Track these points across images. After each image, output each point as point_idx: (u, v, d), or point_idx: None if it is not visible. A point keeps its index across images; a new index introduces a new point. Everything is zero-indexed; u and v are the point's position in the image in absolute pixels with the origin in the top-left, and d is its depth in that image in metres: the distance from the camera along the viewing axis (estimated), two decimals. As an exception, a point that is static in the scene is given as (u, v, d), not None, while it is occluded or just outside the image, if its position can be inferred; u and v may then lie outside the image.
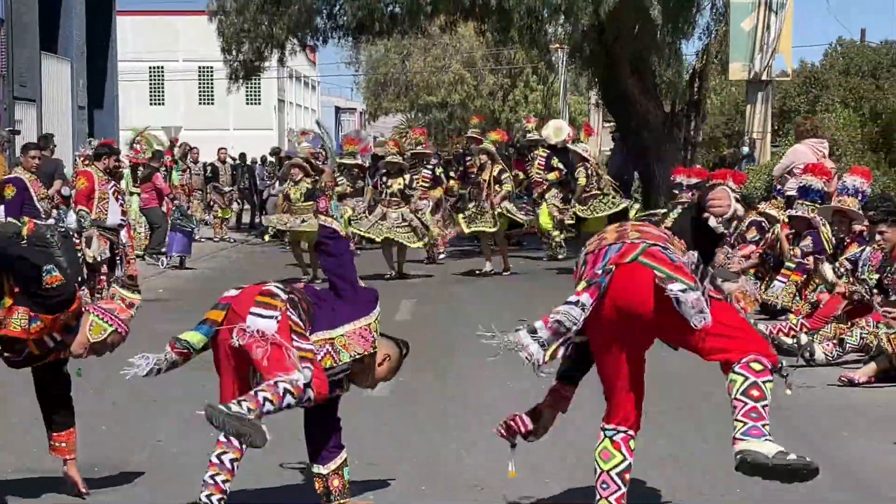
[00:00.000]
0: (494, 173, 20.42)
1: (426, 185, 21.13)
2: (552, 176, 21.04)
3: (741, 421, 5.95)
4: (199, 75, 65.18)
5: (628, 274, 6.07)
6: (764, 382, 5.95)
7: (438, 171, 21.92)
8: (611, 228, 6.54)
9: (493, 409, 9.91)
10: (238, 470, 6.67)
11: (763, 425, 5.90)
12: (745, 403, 5.96)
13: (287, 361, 6.51)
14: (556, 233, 21.46)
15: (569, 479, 7.79)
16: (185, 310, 15.88)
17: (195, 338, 6.72)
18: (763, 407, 5.94)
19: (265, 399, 6.37)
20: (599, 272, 6.15)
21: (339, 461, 6.90)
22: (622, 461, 6.38)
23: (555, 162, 21.01)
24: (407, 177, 20.30)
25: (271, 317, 6.59)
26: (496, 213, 19.95)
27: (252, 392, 6.46)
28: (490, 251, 20.60)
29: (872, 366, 10.82)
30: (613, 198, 19.95)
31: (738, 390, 5.98)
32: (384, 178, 20.58)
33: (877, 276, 12.07)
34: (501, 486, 7.68)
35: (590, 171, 20.11)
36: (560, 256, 21.52)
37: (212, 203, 29.48)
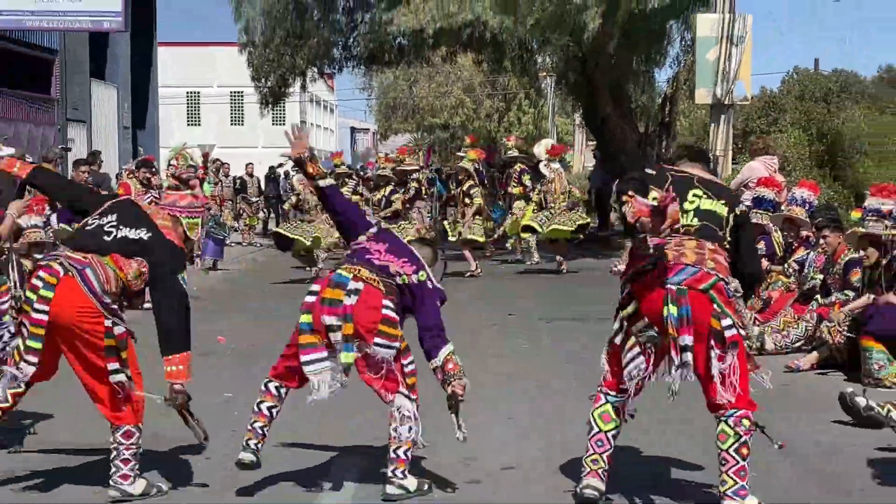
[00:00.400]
0: (465, 188, 20.58)
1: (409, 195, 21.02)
2: (516, 191, 20.82)
3: (732, 479, 6.28)
4: (231, 99, 65.23)
5: (696, 299, 6.30)
6: (750, 438, 6.32)
7: (414, 185, 21.48)
8: (691, 247, 6.51)
9: (482, 384, 9.98)
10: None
11: (747, 482, 6.26)
12: (736, 462, 6.29)
13: (398, 386, 6.86)
14: (525, 235, 21.00)
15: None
16: (210, 310, 15.94)
17: (351, 358, 6.74)
18: (748, 463, 6.30)
19: (404, 453, 6.81)
20: (674, 288, 6.31)
21: (446, 351, 6.95)
22: (617, 425, 6.65)
23: (525, 178, 20.84)
24: (388, 189, 20.33)
25: (393, 347, 6.77)
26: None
27: (394, 455, 6.81)
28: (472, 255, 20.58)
29: (815, 355, 10.92)
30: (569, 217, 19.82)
31: (730, 446, 6.31)
32: (373, 190, 20.76)
33: (821, 276, 12.17)
34: (492, 459, 7.74)
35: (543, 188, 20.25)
36: (528, 262, 21.11)
37: (241, 212, 29.67)
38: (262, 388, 7.05)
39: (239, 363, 11.58)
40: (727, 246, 6.65)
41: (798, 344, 11.49)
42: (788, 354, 11.37)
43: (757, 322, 12.25)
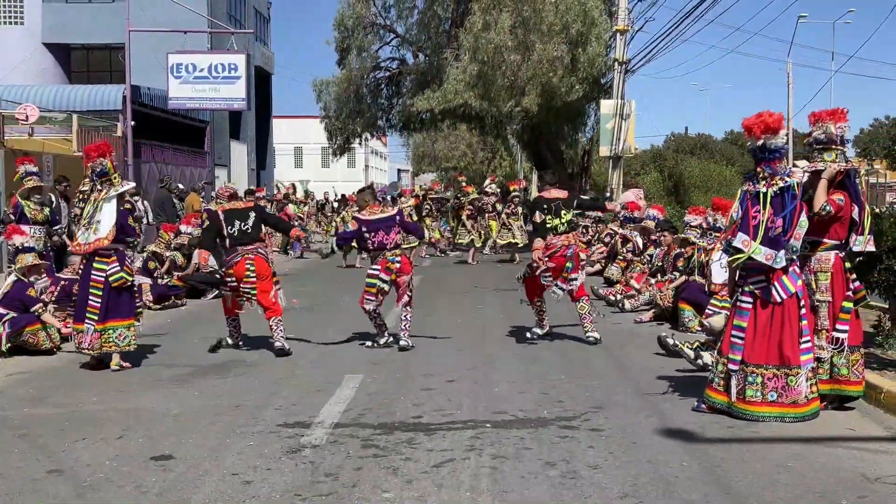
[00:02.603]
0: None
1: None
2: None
3: (587, 324, 9.21)
4: (321, 151, 65.52)
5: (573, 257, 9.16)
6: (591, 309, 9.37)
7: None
8: (567, 236, 9.12)
9: (449, 326, 10.14)
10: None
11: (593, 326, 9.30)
12: (588, 315, 9.25)
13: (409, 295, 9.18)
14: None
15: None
16: (294, 282, 16.08)
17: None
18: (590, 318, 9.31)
19: (407, 327, 9.08)
20: (569, 255, 9.12)
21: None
22: (544, 308, 9.53)
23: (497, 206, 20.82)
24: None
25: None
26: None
27: (404, 328, 8.98)
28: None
29: (652, 312, 11.02)
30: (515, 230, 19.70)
31: (584, 309, 9.27)
32: None
33: (660, 264, 12.29)
34: (441, 375, 7.71)
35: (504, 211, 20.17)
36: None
37: (320, 221, 29.67)
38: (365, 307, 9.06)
39: (305, 315, 11.76)
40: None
41: (645, 306, 11.57)
42: (637, 312, 11.46)
43: (623, 292, 12.42)
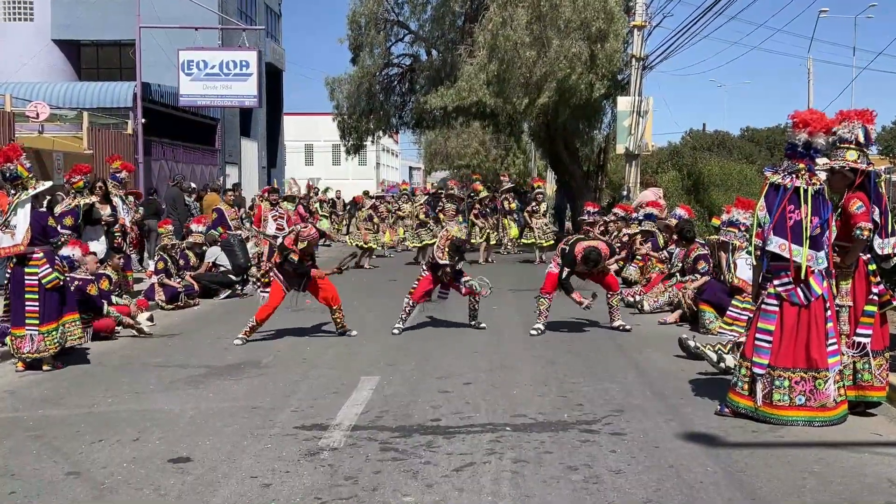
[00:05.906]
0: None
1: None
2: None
3: (618, 315, 10.27)
4: (332, 149, 65.55)
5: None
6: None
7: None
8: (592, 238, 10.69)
9: (455, 323, 10.14)
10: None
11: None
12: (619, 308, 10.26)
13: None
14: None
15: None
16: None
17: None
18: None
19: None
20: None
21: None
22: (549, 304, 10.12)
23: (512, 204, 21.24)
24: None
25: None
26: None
27: (475, 310, 10.50)
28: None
29: (677, 313, 10.95)
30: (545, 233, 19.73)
31: (616, 299, 10.34)
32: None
33: (680, 264, 12.21)
34: (458, 378, 7.73)
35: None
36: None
37: (332, 220, 29.68)
38: (406, 302, 10.22)
39: (314, 315, 11.76)
40: None
41: (665, 307, 11.51)
42: (658, 313, 11.39)
43: (641, 293, 12.38)
